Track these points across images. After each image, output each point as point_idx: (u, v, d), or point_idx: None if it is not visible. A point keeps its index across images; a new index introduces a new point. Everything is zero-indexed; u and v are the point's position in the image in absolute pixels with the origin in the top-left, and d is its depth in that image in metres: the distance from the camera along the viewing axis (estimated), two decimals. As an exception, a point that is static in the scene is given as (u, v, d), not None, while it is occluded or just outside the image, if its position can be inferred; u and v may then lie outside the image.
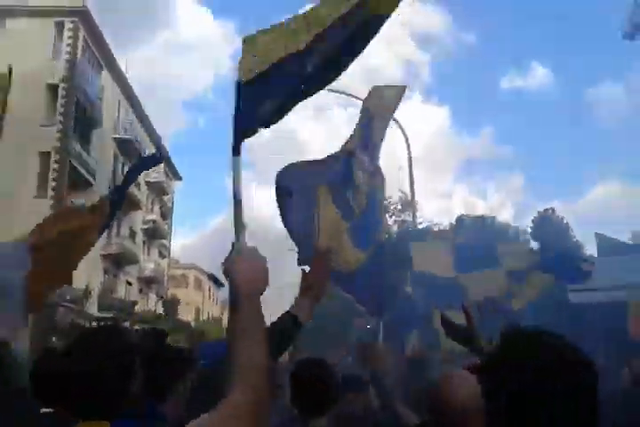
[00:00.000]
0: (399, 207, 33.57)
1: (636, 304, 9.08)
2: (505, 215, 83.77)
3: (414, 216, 24.10)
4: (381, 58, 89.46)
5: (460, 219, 36.57)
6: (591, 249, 30.58)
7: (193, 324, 42.42)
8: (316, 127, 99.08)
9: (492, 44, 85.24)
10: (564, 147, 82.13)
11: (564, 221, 35.37)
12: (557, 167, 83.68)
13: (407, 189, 21.64)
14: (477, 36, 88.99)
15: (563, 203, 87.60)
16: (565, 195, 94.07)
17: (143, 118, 36.60)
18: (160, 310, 36.47)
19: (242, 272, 1.48)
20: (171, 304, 34.97)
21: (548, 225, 34.31)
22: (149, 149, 38.05)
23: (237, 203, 1.70)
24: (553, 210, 36.15)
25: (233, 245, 1.62)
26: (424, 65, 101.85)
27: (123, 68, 32.46)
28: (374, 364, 2.99)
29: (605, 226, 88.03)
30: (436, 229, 30.39)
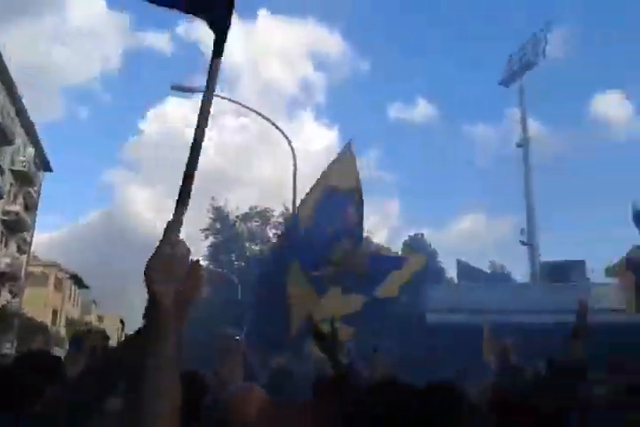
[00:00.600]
0: (280, 221, 33.91)
1: (488, 328, 9.88)
2: (380, 237, 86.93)
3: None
4: (277, 72, 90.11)
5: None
6: (452, 273, 32.65)
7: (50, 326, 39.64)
8: (206, 133, 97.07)
9: (383, 73, 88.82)
10: (440, 178, 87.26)
11: (431, 247, 37.65)
12: (431, 197, 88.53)
13: (290, 205, 21.91)
14: (371, 64, 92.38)
15: (432, 230, 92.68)
16: (435, 223, 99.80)
17: (18, 103, 34.06)
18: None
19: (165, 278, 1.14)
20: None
21: (416, 249, 36.27)
22: (20, 137, 35.47)
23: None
24: (422, 235, 38.47)
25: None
26: (318, 85, 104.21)
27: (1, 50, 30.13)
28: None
29: (468, 254, 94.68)
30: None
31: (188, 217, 1.18)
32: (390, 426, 1.38)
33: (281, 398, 3.18)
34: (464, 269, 25.15)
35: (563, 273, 20.50)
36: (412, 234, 39.23)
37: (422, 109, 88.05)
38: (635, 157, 72.84)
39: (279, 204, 33.58)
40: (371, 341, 5.72)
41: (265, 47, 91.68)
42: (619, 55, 79.34)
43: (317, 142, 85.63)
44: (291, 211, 21.10)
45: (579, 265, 21.04)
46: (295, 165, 14.40)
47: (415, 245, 36.84)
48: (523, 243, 28.24)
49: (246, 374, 3.50)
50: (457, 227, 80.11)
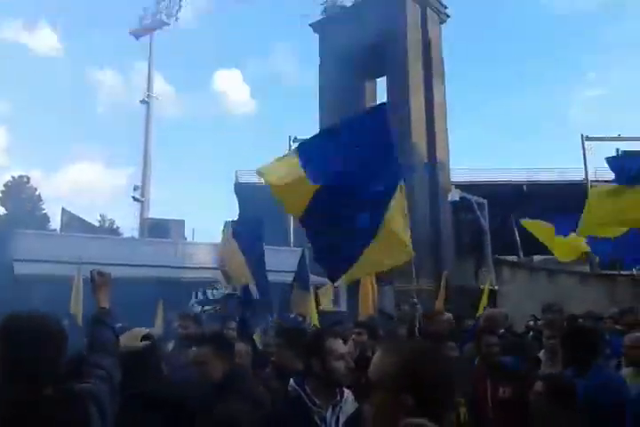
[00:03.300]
0: None
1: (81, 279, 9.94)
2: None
3: None
4: None
5: None
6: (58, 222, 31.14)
7: None
8: None
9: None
10: (57, 117, 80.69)
11: (37, 192, 35.13)
12: (44, 136, 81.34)
13: None
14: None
15: (41, 173, 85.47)
16: (45, 166, 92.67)
17: None
18: None
19: None
20: None
21: (19, 192, 33.30)
22: None
23: None
24: (28, 178, 35.46)
25: None
26: None
27: None
28: None
29: (78, 204, 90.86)
30: None
31: None
32: None
33: None
34: (69, 219, 24.23)
35: (164, 230, 21.72)
36: (15, 175, 35.70)
37: (45, 37, 78.12)
38: (251, 134, 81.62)
39: None
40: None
41: None
42: (241, 38, 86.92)
43: None
44: None
45: (179, 224, 22.59)
46: None
47: (17, 189, 33.72)
48: (134, 198, 28.63)
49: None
50: (70, 174, 75.90)
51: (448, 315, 6.82)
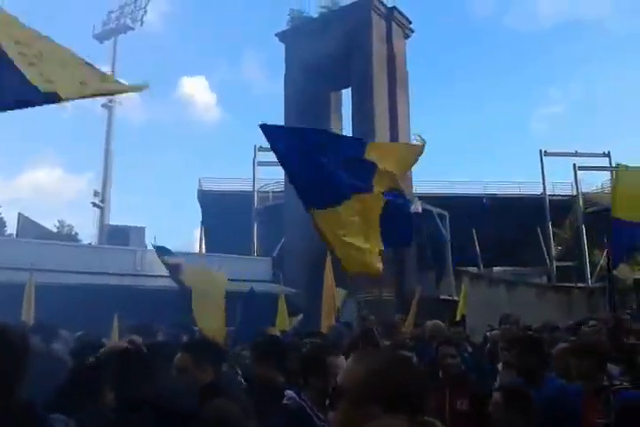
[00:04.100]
0: None
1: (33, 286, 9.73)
2: None
3: None
4: None
5: None
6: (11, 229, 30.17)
7: None
8: None
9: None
10: (20, 120, 78.49)
11: (-7, 196, 34.10)
12: (1, 139, 79.21)
13: None
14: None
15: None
16: (3, 170, 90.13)
17: None
18: None
19: None
20: None
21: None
22: None
23: None
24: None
25: None
26: None
27: None
28: None
29: (36, 209, 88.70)
30: None
31: None
32: None
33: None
34: (26, 225, 23.56)
35: (123, 237, 21.29)
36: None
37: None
38: (216, 142, 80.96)
39: None
40: None
41: None
42: (208, 44, 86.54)
43: None
44: None
45: (139, 231, 22.19)
46: None
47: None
48: (94, 204, 27.99)
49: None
50: (28, 178, 73.99)
51: (431, 322, 6.80)
